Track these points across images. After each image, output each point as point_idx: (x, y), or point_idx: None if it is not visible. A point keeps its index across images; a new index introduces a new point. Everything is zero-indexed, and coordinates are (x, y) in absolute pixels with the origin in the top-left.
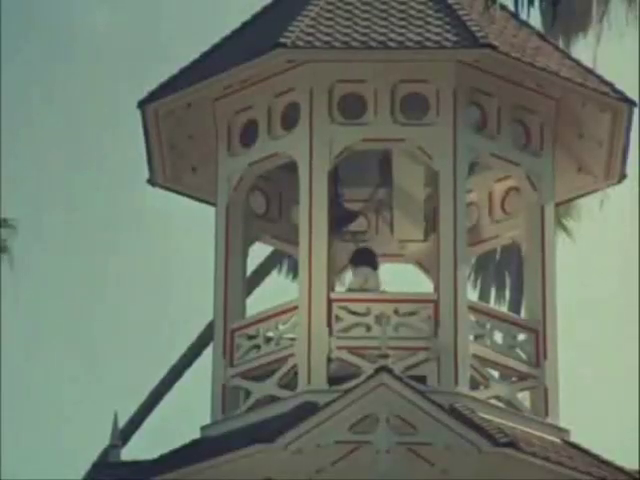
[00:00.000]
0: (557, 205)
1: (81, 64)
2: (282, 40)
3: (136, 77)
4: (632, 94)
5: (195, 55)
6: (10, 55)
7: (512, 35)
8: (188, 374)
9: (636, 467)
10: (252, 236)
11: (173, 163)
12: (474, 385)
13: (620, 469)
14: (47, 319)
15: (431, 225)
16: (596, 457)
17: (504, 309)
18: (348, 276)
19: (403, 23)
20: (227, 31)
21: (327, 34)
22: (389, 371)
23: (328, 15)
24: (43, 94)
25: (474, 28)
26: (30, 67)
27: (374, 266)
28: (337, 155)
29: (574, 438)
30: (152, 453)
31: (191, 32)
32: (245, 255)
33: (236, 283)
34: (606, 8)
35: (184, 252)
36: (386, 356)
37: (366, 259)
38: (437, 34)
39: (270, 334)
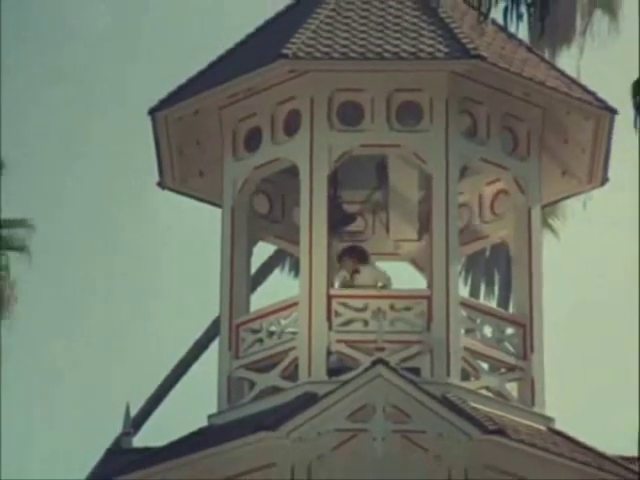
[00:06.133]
0: (543, 207)
1: (81, 64)
2: (284, 51)
3: (136, 79)
4: (614, 103)
5: (200, 64)
6: (10, 55)
7: (501, 47)
8: (196, 366)
9: (617, 453)
10: (256, 236)
11: (181, 167)
12: (465, 376)
13: (602, 455)
14: (61, 312)
15: (425, 225)
16: (580, 443)
17: (493, 304)
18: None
19: (398, 35)
20: (230, 42)
21: (327, 45)
22: (385, 363)
23: (328, 28)
24: (44, 93)
25: (465, 40)
26: (30, 67)
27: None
28: (336, 160)
29: (559, 426)
30: (162, 440)
31: (191, 37)
32: (249, 254)
33: (241, 280)
34: (589, 21)
35: (193, 252)
36: (382, 349)
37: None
38: (430, 46)
39: (273, 328)
